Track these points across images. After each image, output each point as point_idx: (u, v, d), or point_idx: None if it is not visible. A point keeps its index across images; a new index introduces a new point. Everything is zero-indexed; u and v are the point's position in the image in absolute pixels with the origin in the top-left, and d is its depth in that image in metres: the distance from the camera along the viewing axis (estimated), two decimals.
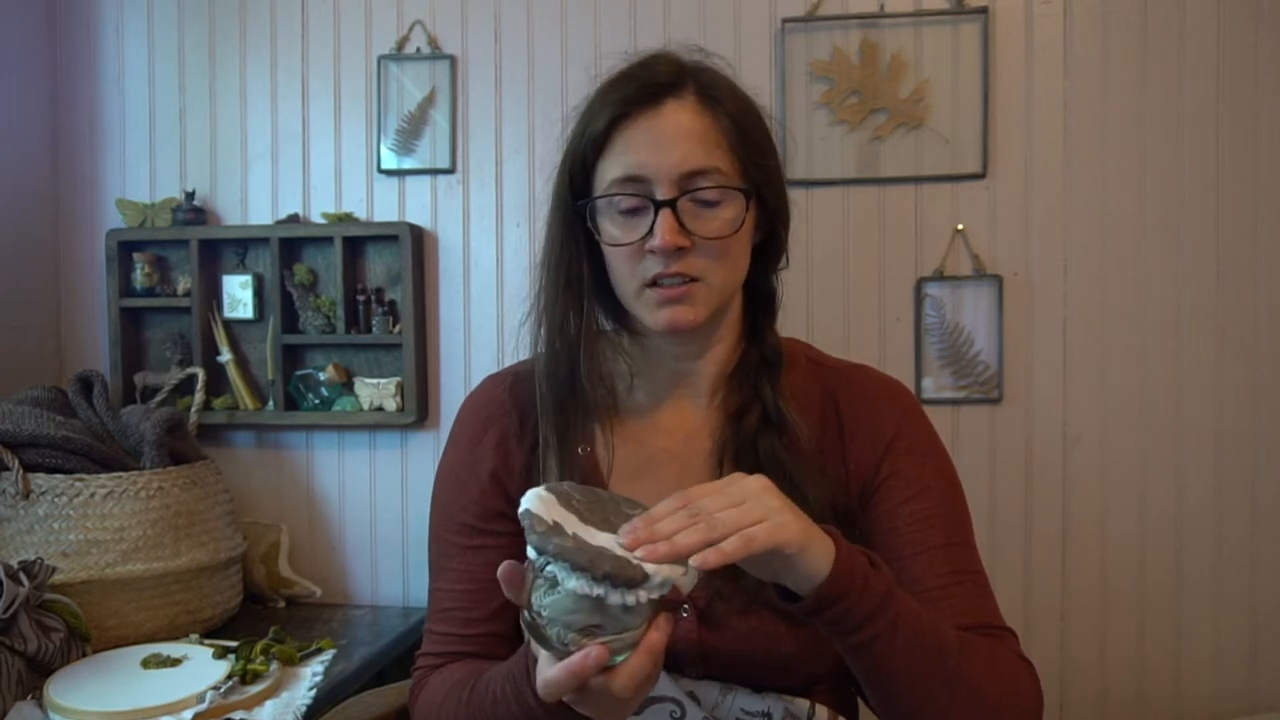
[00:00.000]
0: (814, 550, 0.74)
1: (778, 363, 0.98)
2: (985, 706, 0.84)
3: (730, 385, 0.99)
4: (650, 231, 0.89)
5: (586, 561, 0.69)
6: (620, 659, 0.71)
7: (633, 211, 0.91)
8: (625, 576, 0.68)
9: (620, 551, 0.70)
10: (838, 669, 0.99)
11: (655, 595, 0.69)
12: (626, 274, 0.92)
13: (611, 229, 0.92)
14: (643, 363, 1.00)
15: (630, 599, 0.69)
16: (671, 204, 0.89)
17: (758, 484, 0.75)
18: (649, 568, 0.69)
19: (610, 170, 0.91)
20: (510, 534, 0.98)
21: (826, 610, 0.76)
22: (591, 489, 0.78)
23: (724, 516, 0.71)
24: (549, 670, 0.71)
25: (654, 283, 0.91)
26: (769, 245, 0.99)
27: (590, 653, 0.69)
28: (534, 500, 0.73)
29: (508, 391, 1.03)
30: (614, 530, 0.72)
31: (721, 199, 0.90)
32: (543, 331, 0.97)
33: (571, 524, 0.72)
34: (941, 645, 0.82)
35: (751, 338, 1.01)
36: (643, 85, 0.91)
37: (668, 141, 0.89)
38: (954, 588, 0.91)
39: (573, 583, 0.69)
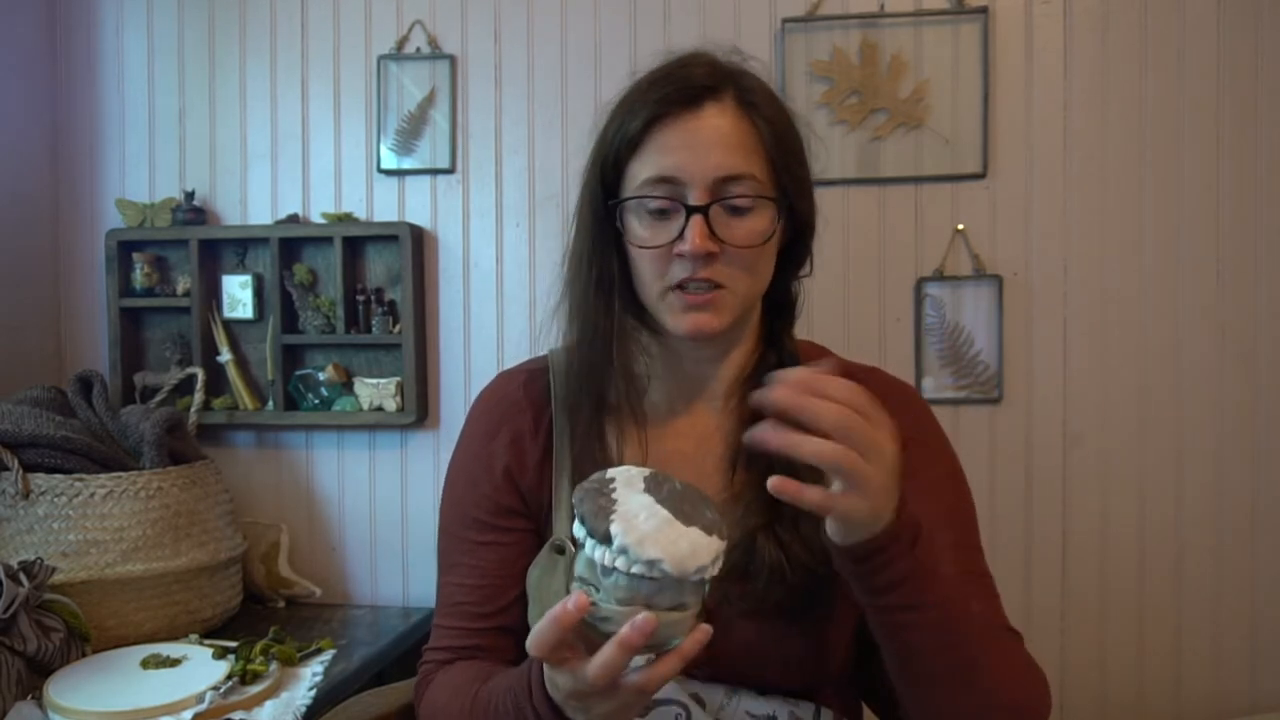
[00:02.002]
0: (877, 512, 0.75)
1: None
2: (1000, 705, 0.84)
3: (746, 390, 0.97)
4: (680, 235, 0.88)
5: (576, 499, 0.70)
6: (605, 626, 0.68)
7: (663, 214, 0.90)
8: (593, 525, 0.69)
9: (631, 517, 0.68)
10: (843, 671, 1.00)
11: (619, 564, 0.67)
12: (652, 276, 0.92)
13: (640, 230, 0.91)
14: (661, 363, 0.99)
15: (597, 555, 0.68)
16: (704, 210, 0.88)
17: (892, 454, 0.74)
18: (614, 529, 0.68)
19: (643, 170, 0.90)
20: (522, 530, 0.99)
21: (863, 562, 0.77)
22: (696, 489, 0.75)
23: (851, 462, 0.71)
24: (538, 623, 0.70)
25: (679, 286, 0.90)
26: (793, 252, 0.99)
27: (571, 599, 0.68)
28: (621, 469, 0.74)
29: (521, 389, 1.02)
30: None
31: (753, 207, 0.90)
32: (573, 326, 0.97)
33: (628, 489, 0.71)
34: (969, 633, 0.82)
35: (770, 343, 1.00)
36: (682, 86, 0.90)
37: (704, 145, 0.88)
38: None
39: (574, 521, 0.71)
